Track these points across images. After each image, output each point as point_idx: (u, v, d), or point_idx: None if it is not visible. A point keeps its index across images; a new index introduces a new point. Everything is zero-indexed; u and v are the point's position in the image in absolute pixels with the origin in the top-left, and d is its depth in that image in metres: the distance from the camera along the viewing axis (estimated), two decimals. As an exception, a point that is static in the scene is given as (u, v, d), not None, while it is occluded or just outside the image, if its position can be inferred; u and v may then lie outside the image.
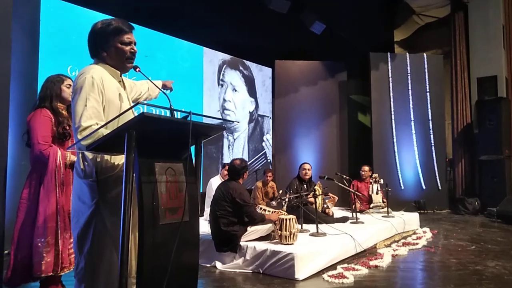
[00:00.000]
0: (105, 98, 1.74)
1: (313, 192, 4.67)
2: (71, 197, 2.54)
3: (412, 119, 7.99)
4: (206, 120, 1.96)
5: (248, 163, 7.79)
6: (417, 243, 4.63)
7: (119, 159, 1.75)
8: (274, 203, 4.77)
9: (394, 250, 4.26)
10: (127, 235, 1.47)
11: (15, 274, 2.44)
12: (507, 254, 4.14)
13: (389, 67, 8.03)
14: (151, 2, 6.05)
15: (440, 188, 7.89)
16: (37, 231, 2.42)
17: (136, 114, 1.62)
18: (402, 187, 7.74)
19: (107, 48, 1.83)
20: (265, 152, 8.77)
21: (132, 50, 1.86)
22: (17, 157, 3.92)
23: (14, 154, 3.89)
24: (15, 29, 4.08)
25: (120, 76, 1.92)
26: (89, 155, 1.70)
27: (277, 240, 3.61)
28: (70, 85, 2.67)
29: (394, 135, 7.87)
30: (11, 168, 3.85)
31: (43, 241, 2.42)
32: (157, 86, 2.04)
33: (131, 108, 1.69)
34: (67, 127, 2.59)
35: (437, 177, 7.90)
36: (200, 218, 2.08)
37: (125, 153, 1.50)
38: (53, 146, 2.54)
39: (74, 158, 2.58)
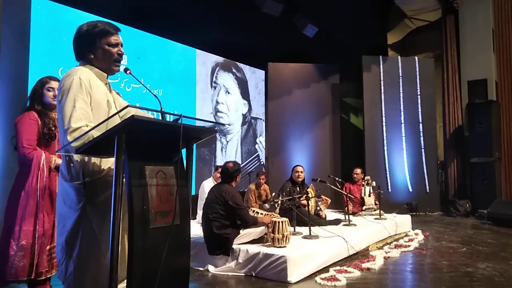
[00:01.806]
0: (92, 100, 1.71)
1: (305, 195, 4.67)
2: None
3: (402, 121, 8.04)
4: (198, 123, 1.94)
5: (241, 166, 7.78)
6: (409, 245, 4.66)
7: (106, 161, 1.73)
8: (267, 205, 4.76)
9: (386, 252, 4.28)
10: (117, 239, 1.45)
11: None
12: (497, 256, 4.18)
13: (381, 70, 8.08)
14: (143, 3, 6.03)
15: (428, 190, 7.93)
16: (13, 235, 2.41)
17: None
18: (390, 190, 7.77)
19: (93, 49, 1.81)
20: (258, 154, 8.77)
21: (120, 52, 1.85)
22: (7, 159, 3.88)
23: (4, 156, 3.84)
24: (5, 31, 4.04)
25: (107, 78, 1.89)
26: (76, 157, 1.68)
27: (270, 243, 3.61)
28: (52, 88, 2.63)
29: (386, 138, 7.92)
30: (1, 171, 3.81)
31: (17, 244, 2.39)
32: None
33: (121, 110, 1.67)
34: (53, 128, 2.57)
35: (426, 180, 7.96)
36: (192, 221, 2.07)
37: (115, 156, 1.48)
38: (37, 149, 2.53)
39: (59, 161, 2.56)
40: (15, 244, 2.39)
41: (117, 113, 1.67)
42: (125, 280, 1.55)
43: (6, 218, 2.48)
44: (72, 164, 1.69)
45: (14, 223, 2.42)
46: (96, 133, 1.55)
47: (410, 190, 7.88)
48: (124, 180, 1.52)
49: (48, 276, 2.52)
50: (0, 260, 2.42)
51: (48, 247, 2.51)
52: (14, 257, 2.38)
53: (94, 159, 1.70)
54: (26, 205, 2.44)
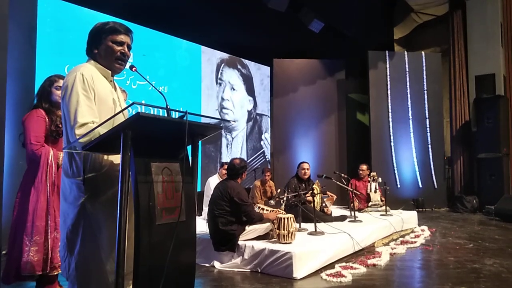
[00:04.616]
0: (96, 95, 1.71)
1: (311, 191, 4.67)
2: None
3: (410, 117, 7.99)
4: (203, 120, 1.95)
5: (247, 162, 7.79)
6: (415, 242, 4.64)
7: (108, 157, 1.73)
8: (272, 202, 4.77)
9: (392, 249, 4.27)
10: (123, 235, 1.46)
11: (9, 272, 2.47)
12: (504, 252, 4.15)
13: (388, 66, 8.03)
14: (149, 0, 6.04)
15: (435, 186, 7.90)
16: (26, 230, 2.45)
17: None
18: (399, 186, 7.75)
19: (99, 45, 1.81)
20: (263, 151, 8.77)
21: (123, 51, 1.82)
22: (14, 157, 3.91)
23: (11, 154, 3.88)
24: (12, 28, 4.07)
25: (112, 76, 1.88)
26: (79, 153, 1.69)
27: (275, 239, 3.61)
28: (60, 86, 2.65)
29: (392, 134, 7.88)
30: (9, 168, 3.84)
31: (31, 239, 2.44)
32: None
33: (127, 107, 1.68)
34: (60, 125, 2.60)
35: (433, 176, 7.91)
36: (198, 217, 2.07)
37: (121, 153, 1.49)
38: (45, 146, 2.57)
39: None
40: (28, 239, 2.44)
41: (123, 110, 1.68)
42: (131, 276, 1.56)
43: (17, 215, 2.52)
44: (74, 160, 1.70)
45: (26, 219, 2.46)
46: (102, 130, 1.56)
47: (420, 186, 7.85)
48: (130, 176, 1.53)
49: (60, 271, 2.57)
50: (15, 256, 2.47)
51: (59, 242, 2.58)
52: (28, 252, 2.43)
53: (96, 155, 1.70)
54: (37, 201, 2.49)
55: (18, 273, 2.45)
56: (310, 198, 4.85)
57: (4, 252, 2.67)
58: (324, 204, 5.35)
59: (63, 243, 1.72)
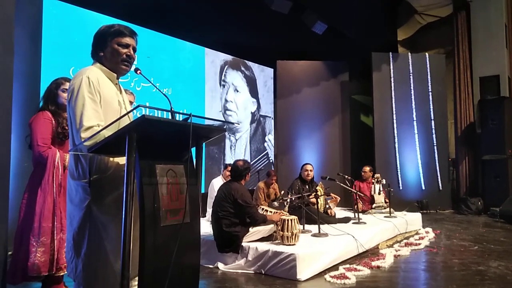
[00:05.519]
0: (102, 98, 1.73)
1: (315, 193, 4.66)
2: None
3: (415, 119, 7.97)
4: (207, 122, 1.96)
5: (251, 164, 7.79)
6: (419, 244, 4.62)
7: (113, 159, 1.75)
8: (276, 203, 4.78)
9: (396, 251, 4.25)
10: (128, 236, 1.48)
11: (16, 272, 2.49)
12: (510, 254, 4.13)
13: (391, 67, 8.01)
14: (153, 3, 6.07)
15: (441, 188, 7.87)
16: (33, 231, 2.47)
17: (133, 119, 1.61)
18: (401, 188, 7.72)
19: (104, 48, 1.83)
20: (267, 152, 8.78)
21: (129, 53, 1.85)
22: (20, 158, 3.94)
23: (18, 155, 3.91)
24: (18, 31, 4.10)
25: (117, 79, 1.90)
26: (84, 155, 1.70)
27: (279, 241, 3.61)
28: (66, 89, 2.68)
29: (396, 135, 7.86)
30: (15, 170, 3.87)
31: (38, 240, 2.46)
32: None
33: (132, 110, 1.69)
34: (66, 127, 2.62)
35: (439, 177, 7.88)
36: (202, 219, 2.08)
37: (126, 155, 1.50)
38: (52, 148, 2.59)
39: None
40: (35, 240, 2.46)
41: (128, 113, 1.69)
42: (136, 277, 1.57)
43: (24, 216, 2.54)
44: (80, 162, 1.72)
45: (33, 220, 2.48)
46: (107, 133, 1.57)
47: (424, 187, 7.82)
48: (135, 178, 1.54)
49: (65, 272, 2.59)
50: (21, 256, 2.49)
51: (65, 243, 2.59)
52: (35, 253, 2.45)
53: (101, 157, 1.71)
54: (43, 202, 2.51)
55: (25, 273, 2.47)
56: (313, 200, 4.85)
57: (10, 253, 2.69)
58: (327, 206, 5.34)
59: (69, 245, 1.74)
